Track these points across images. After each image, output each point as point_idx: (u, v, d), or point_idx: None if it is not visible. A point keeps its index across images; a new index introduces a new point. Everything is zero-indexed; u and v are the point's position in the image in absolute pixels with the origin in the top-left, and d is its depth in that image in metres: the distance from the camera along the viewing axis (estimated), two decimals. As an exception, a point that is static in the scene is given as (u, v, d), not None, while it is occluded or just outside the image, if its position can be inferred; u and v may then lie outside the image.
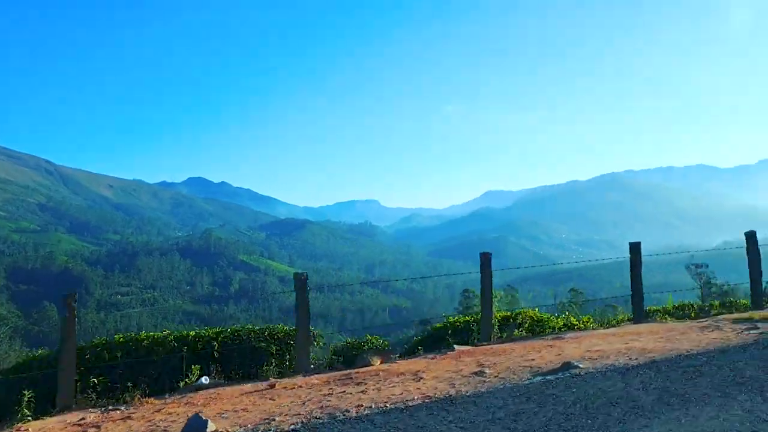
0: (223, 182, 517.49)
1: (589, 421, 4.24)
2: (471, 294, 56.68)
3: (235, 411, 5.56)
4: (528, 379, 5.73)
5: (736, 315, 9.13)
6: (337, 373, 7.39)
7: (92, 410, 6.48)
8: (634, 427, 4.08)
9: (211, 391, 6.87)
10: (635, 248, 10.93)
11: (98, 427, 5.57)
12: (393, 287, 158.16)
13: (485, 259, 10.74)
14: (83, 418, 6.04)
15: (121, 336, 8.47)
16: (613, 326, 10.10)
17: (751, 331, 7.51)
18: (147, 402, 6.50)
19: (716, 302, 12.90)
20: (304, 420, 4.93)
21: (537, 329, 10.48)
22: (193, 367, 7.78)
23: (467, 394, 5.30)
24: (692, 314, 11.09)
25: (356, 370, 7.40)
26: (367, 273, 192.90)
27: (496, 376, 5.95)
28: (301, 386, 6.52)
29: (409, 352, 9.48)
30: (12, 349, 26.63)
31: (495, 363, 6.69)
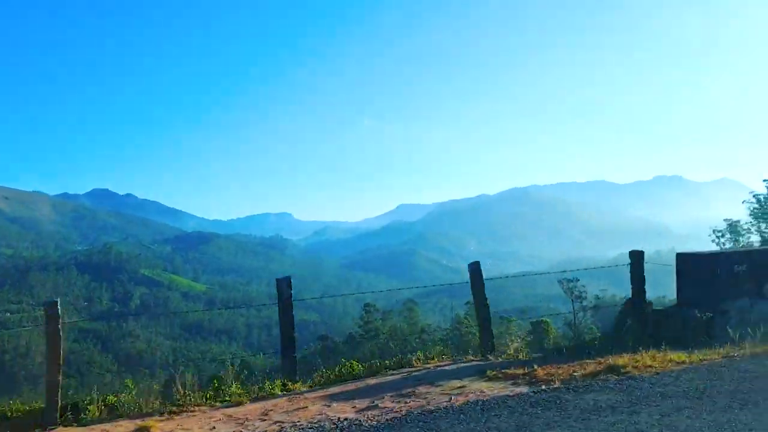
0: (128, 194, 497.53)
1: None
2: (372, 308, 56.68)
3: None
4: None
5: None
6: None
7: None
8: None
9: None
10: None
11: None
12: (303, 301, 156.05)
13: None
14: None
15: None
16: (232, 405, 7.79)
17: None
18: None
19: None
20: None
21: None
22: None
23: None
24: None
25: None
26: (276, 287, 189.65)
27: None
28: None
29: None
30: None
31: None
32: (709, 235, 64.14)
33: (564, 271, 16.40)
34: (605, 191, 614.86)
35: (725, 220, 64.95)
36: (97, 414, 7.54)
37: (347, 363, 9.42)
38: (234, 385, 8.32)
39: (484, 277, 10.23)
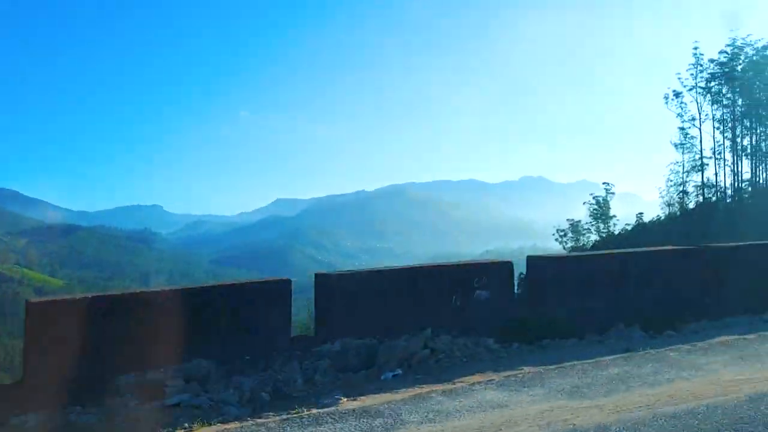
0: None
1: None
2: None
3: None
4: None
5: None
6: None
7: None
8: None
9: None
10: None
11: None
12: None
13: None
14: None
15: None
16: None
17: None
18: None
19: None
20: None
21: None
22: None
23: None
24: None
25: None
26: (141, 283, 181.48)
27: None
28: None
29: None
30: None
31: None
32: (553, 234, 68.58)
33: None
34: (477, 190, 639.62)
35: (568, 219, 69.70)
36: None
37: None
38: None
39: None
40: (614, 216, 66.22)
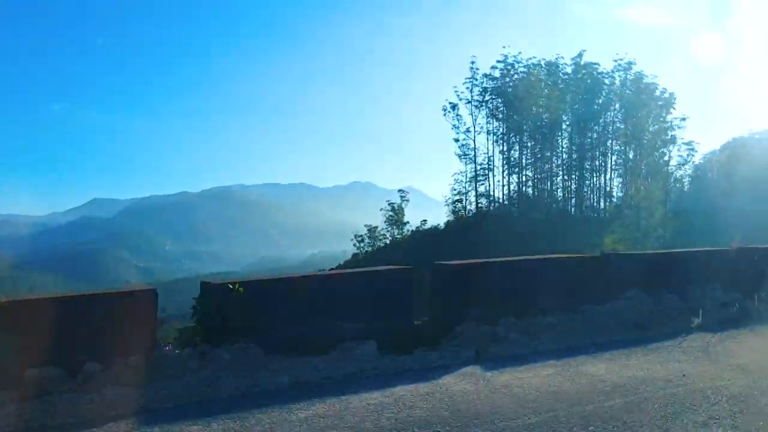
0: None
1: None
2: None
3: None
4: None
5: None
6: None
7: None
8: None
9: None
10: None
11: None
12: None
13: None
14: None
15: None
16: None
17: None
18: None
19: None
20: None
21: None
22: None
23: None
24: None
25: None
26: None
27: None
28: None
29: None
30: None
31: None
32: (351, 240, 71.71)
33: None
34: (306, 194, 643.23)
35: (365, 225, 73.18)
36: None
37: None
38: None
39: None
40: (408, 222, 70.07)
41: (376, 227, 70.00)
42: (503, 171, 65.74)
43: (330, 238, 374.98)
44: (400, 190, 71.41)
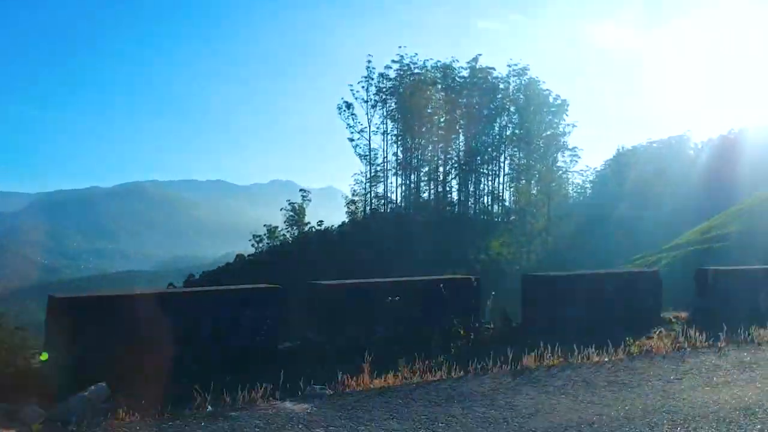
0: None
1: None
2: None
3: None
4: None
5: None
6: None
7: None
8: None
9: None
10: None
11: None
12: None
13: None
14: None
15: None
16: None
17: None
18: None
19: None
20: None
21: None
22: None
23: None
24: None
25: None
26: None
27: None
28: None
29: None
30: None
31: None
32: (249, 240, 70.87)
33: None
34: (224, 191, 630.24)
35: (265, 225, 72.50)
36: None
37: None
38: None
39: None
40: (309, 223, 69.82)
41: (276, 227, 69.49)
42: (397, 172, 66.22)
43: (246, 236, 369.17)
44: (301, 190, 71.31)
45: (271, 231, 68.82)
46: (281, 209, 70.24)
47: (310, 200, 70.69)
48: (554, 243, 58.97)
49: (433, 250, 49.00)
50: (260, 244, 68.29)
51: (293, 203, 69.44)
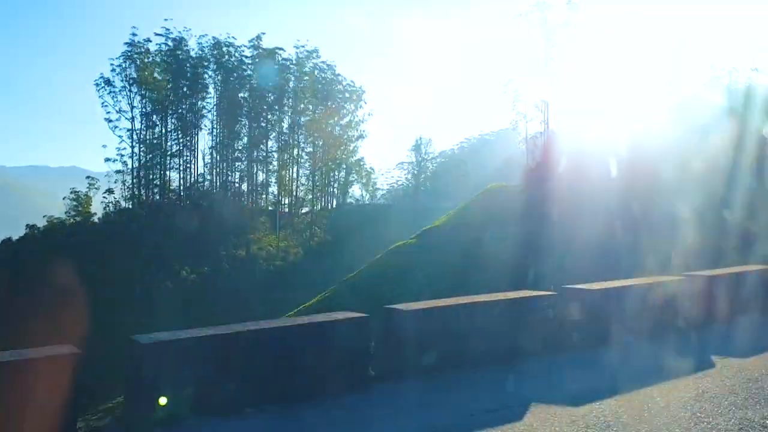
0: None
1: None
2: None
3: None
4: None
5: None
6: None
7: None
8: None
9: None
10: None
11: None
12: None
13: None
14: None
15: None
16: None
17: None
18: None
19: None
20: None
21: None
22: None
23: None
24: None
25: None
26: None
27: None
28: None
29: None
30: None
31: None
32: (26, 229, 66.37)
33: None
34: (82, 178, 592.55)
35: (44, 216, 68.04)
36: None
37: None
38: None
39: None
40: (95, 213, 66.26)
41: (58, 218, 65.54)
42: (168, 159, 62.35)
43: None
44: (88, 177, 67.73)
45: (50, 220, 64.87)
46: (63, 198, 66.34)
47: (97, 188, 67.17)
48: (325, 236, 58.23)
49: (187, 245, 47.58)
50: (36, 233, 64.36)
51: (77, 192, 65.66)
